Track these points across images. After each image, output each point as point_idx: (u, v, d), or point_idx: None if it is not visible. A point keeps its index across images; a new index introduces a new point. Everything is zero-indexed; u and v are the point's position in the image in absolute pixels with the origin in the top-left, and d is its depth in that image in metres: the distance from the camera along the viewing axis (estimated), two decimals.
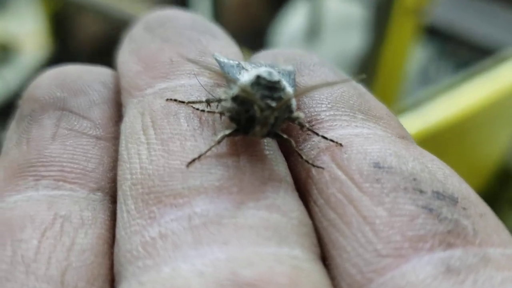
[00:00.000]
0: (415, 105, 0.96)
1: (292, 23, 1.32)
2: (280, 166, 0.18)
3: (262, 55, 0.23)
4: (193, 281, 0.14)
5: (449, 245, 0.15)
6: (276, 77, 0.18)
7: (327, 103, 0.19)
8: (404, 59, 0.85)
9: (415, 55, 0.98)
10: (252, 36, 1.31)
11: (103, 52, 1.25)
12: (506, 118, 1.13)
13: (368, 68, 0.85)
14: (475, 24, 1.21)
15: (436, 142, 0.99)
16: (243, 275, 0.14)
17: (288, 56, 0.22)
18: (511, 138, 1.19)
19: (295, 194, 0.17)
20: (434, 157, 0.18)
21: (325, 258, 0.16)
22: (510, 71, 1.02)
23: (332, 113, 0.19)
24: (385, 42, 0.83)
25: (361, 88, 0.21)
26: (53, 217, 0.17)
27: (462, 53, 1.25)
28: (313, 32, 1.28)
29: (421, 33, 0.91)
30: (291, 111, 0.19)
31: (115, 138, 0.20)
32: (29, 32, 1.28)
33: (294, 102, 0.19)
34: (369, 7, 1.14)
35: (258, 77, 0.18)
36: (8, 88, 1.19)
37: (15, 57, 1.27)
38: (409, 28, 0.83)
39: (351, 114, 0.19)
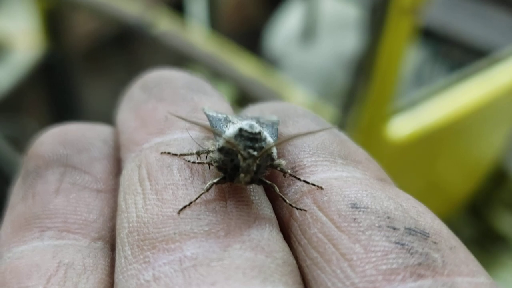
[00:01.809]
0: (409, 106, 0.97)
1: (287, 24, 1.32)
2: (265, 210, 0.19)
3: (250, 109, 0.26)
4: None
5: (420, 276, 0.16)
6: (257, 129, 0.21)
7: (309, 150, 0.21)
8: (400, 60, 0.86)
9: (409, 57, 0.98)
10: (248, 37, 1.31)
11: (98, 50, 1.24)
12: (500, 119, 1.14)
13: (363, 69, 0.86)
14: (469, 26, 1.22)
15: (430, 142, 1.00)
16: None
17: (274, 109, 0.24)
18: (505, 138, 1.20)
19: (280, 236, 0.19)
20: (410, 196, 0.20)
21: None
22: (503, 73, 1.03)
23: (313, 159, 0.21)
24: (381, 42, 0.83)
25: (342, 135, 0.23)
26: (57, 264, 0.18)
27: (456, 55, 1.26)
28: (308, 33, 1.28)
29: (416, 34, 0.91)
30: (272, 159, 0.20)
31: (115, 191, 0.22)
32: (22, 30, 1.27)
33: (275, 151, 0.21)
34: (365, 7, 1.14)
35: (241, 130, 0.20)
36: (0, 86, 1.18)
37: (7, 56, 1.26)
38: (405, 28, 0.83)
39: (331, 159, 0.21)
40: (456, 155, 1.12)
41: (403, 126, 0.93)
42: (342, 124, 0.85)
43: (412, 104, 0.97)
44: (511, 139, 1.21)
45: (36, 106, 1.21)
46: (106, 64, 1.23)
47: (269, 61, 1.26)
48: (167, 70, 0.26)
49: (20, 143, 1.09)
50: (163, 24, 0.98)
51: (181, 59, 1.05)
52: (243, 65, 0.97)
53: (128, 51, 1.22)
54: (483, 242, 1.14)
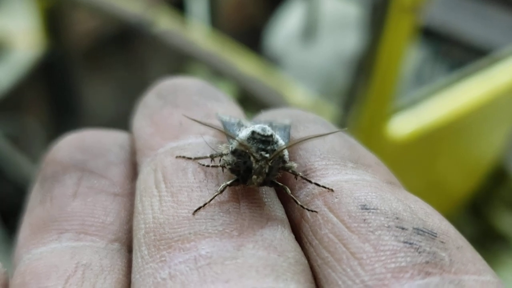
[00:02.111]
0: (410, 104, 0.97)
1: (288, 23, 1.32)
2: (277, 211, 0.20)
3: (263, 115, 0.26)
4: None
5: (427, 274, 0.16)
6: (269, 132, 0.21)
7: (319, 154, 0.22)
8: (400, 59, 0.86)
9: (410, 56, 0.98)
10: (249, 36, 1.31)
11: (98, 48, 1.24)
12: (500, 118, 1.14)
13: (364, 68, 0.86)
14: (469, 25, 1.22)
15: (431, 141, 1.00)
16: None
17: (285, 114, 0.25)
18: (505, 137, 1.20)
19: (292, 236, 0.19)
20: (418, 199, 0.20)
21: None
22: (504, 72, 1.03)
23: (324, 162, 0.21)
24: (381, 41, 0.83)
25: (352, 140, 0.23)
26: (76, 265, 0.19)
27: (456, 54, 1.26)
28: (309, 32, 1.28)
29: (417, 33, 0.91)
30: (284, 161, 0.21)
31: (131, 194, 0.22)
32: (22, 29, 1.27)
33: (286, 153, 0.21)
34: (365, 6, 1.14)
35: (253, 133, 0.21)
36: (0, 85, 1.18)
37: (7, 54, 1.26)
38: (406, 27, 0.83)
39: (341, 163, 0.21)
40: (456, 154, 1.12)
41: (403, 125, 0.93)
42: (343, 122, 0.85)
43: (413, 103, 0.97)
44: (511, 138, 1.21)
45: (36, 105, 1.21)
46: (106, 63, 1.23)
47: (270, 60, 1.26)
48: (181, 77, 0.27)
49: (20, 142, 1.09)
50: (164, 23, 0.98)
51: (181, 57, 1.05)
52: (244, 64, 0.97)
53: (128, 50, 1.22)
54: (483, 241, 1.14)
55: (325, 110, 0.94)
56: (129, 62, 1.24)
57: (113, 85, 1.20)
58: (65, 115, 1.18)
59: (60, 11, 1.15)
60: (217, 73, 1.00)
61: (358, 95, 0.86)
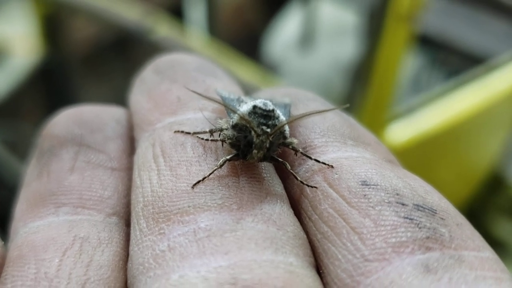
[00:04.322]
0: (407, 112, 0.97)
1: (286, 29, 1.33)
2: (276, 186, 0.20)
3: (262, 93, 0.26)
4: (199, 285, 0.15)
5: (428, 249, 0.16)
6: (270, 106, 0.21)
7: (319, 131, 0.21)
8: (397, 66, 0.86)
9: (407, 63, 0.99)
10: (247, 43, 1.32)
11: (96, 55, 1.24)
12: (497, 125, 1.15)
13: (361, 75, 0.86)
14: (466, 33, 1.23)
15: (428, 148, 1.00)
16: (242, 279, 0.15)
17: (284, 93, 0.25)
18: (501, 145, 1.20)
19: (291, 211, 0.19)
20: (417, 177, 0.20)
21: (319, 267, 0.18)
22: (500, 79, 1.03)
23: (324, 139, 0.21)
24: (378, 48, 0.83)
25: (351, 119, 0.23)
26: (73, 238, 0.19)
27: (453, 61, 1.27)
28: (307, 39, 1.29)
29: (414, 40, 0.92)
30: (285, 137, 0.21)
31: (129, 169, 0.22)
32: (20, 35, 1.27)
33: (287, 129, 0.21)
34: (363, 14, 1.15)
35: (255, 107, 0.21)
36: None
37: (5, 60, 1.26)
38: (402, 34, 0.84)
39: (341, 140, 0.21)
40: (453, 161, 1.12)
41: (401, 132, 0.94)
42: None
43: (410, 110, 0.97)
44: (508, 145, 1.21)
45: (34, 111, 1.20)
46: (104, 70, 1.23)
47: (268, 67, 1.27)
48: (179, 54, 0.26)
49: (18, 148, 1.09)
50: (162, 30, 0.98)
51: None
52: (242, 71, 0.97)
53: (126, 56, 1.22)
54: None
55: None
56: (126, 69, 1.23)
57: (111, 91, 1.20)
58: None
59: (58, 17, 1.15)
60: None
61: (355, 102, 0.86)
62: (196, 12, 1.27)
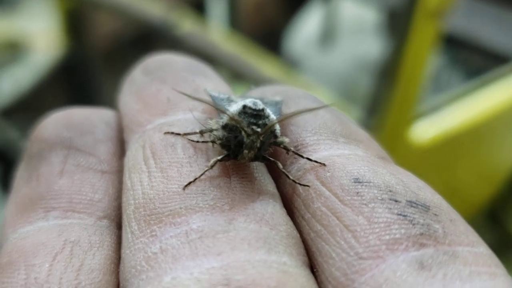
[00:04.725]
0: (431, 110, 0.96)
1: (307, 26, 1.32)
2: (269, 186, 0.20)
3: (252, 91, 0.26)
4: (192, 287, 0.15)
5: (422, 245, 0.16)
6: (260, 106, 0.21)
7: (311, 129, 0.21)
8: (424, 64, 0.85)
9: (432, 62, 0.98)
10: (268, 39, 1.32)
11: (118, 51, 1.25)
12: None
13: (388, 73, 0.85)
14: (488, 31, 1.21)
15: (451, 147, 0.99)
16: (235, 280, 0.15)
17: (275, 91, 0.25)
18: None
19: (283, 210, 0.19)
20: (410, 173, 0.20)
21: (312, 267, 0.18)
22: None
23: (316, 137, 0.21)
24: (406, 46, 0.82)
25: (343, 117, 0.23)
26: (63, 242, 0.18)
27: (474, 60, 1.26)
28: (328, 36, 1.28)
29: (441, 38, 0.91)
30: (276, 136, 0.21)
31: (119, 172, 0.22)
32: (42, 30, 1.28)
33: (278, 128, 0.21)
34: (384, 12, 1.14)
35: (244, 107, 0.21)
36: (19, 87, 1.19)
37: (26, 56, 1.26)
38: (431, 32, 0.83)
39: (333, 138, 0.21)
40: (476, 160, 1.11)
41: (425, 130, 0.93)
42: (366, 126, 0.85)
43: (434, 109, 0.96)
44: None
45: (56, 106, 1.21)
46: (127, 65, 1.23)
47: (289, 63, 1.26)
48: (168, 54, 0.26)
49: None
50: (186, 25, 0.98)
51: (201, 60, 1.05)
52: (264, 66, 0.97)
53: (148, 52, 1.22)
54: (502, 248, 1.13)
55: (347, 113, 0.94)
56: None
57: None
58: None
59: (81, 12, 1.16)
60: (238, 75, 1.01)
61: (382, 100, 0.86)
62: (218, 7, 1.27)
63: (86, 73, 1.18)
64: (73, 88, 1.21)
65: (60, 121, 0.24)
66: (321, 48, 1.28)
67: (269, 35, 1.36)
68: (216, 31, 1.15)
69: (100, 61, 1.22)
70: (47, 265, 0.18)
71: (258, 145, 0.20)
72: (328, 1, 1.29)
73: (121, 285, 0.18)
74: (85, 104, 0.26)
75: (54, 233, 0.19)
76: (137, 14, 1.01)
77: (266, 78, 0.95)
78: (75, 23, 1.15)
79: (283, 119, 0.21)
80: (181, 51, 0.26)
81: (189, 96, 0.21)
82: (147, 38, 1.15)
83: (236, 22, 1.22)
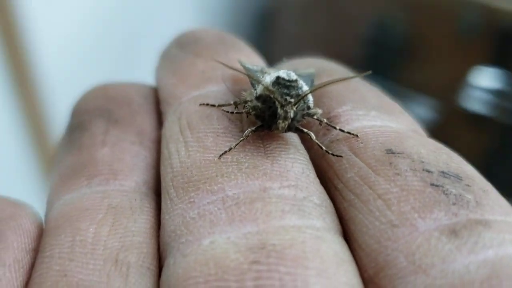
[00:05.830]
0: None
1: None
2: (302, 155, 0.20)
3: (285, 64, 0.26)
4: (229, 249, 0.16)
5: (454, 214, 0.17)
6: (293, 77, 0.21)
7: (343, 101, 0.22)
8: None
9: None
10: None
11: None
12: None
13: None
14: None
15: None
16: (270, 244, 0.16)
17: (308, 64, 0.25)
18: None
19: (317, 180, 0.19)
20: (442, 145, 0.20)
21: (345, 235, 0.18)
22: None
23: (348, 109, 0.21)
24: None
25: (375, 88, 0.23)
26: (106, 208, 0.19)
27: None
28: None
29: None
30: (308, 107, 0.21)
31: (157, 142, 0.23)
32: None
33: (311, 99, 0.21)
34: None
35: (278, 78, 0.21)
36: None
37: None
38: None
39: (365, 110, 0.21)
40: None
41: None
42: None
43: None
44: None
45: None
46: None
47: None
48: (200, 28, 0.27)
49: None
50: None
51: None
52: None
53: None
54: None
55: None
56: None
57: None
58: None
59: None
60: None
61: None
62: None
63: None
64: None
65: (99, 94, 0.25)
66: None
67: None
68: None
69: None
70: (91, 229, 0.18)
71: (292, 115, 0.20)
72: None
73: (161, 248, 0.18)
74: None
75: (97, 199, 0.20)
76: None
77: None
78: None
79: (316, 89, 0.21)
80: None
81: (225, 65, 0.21)
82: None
83: None
